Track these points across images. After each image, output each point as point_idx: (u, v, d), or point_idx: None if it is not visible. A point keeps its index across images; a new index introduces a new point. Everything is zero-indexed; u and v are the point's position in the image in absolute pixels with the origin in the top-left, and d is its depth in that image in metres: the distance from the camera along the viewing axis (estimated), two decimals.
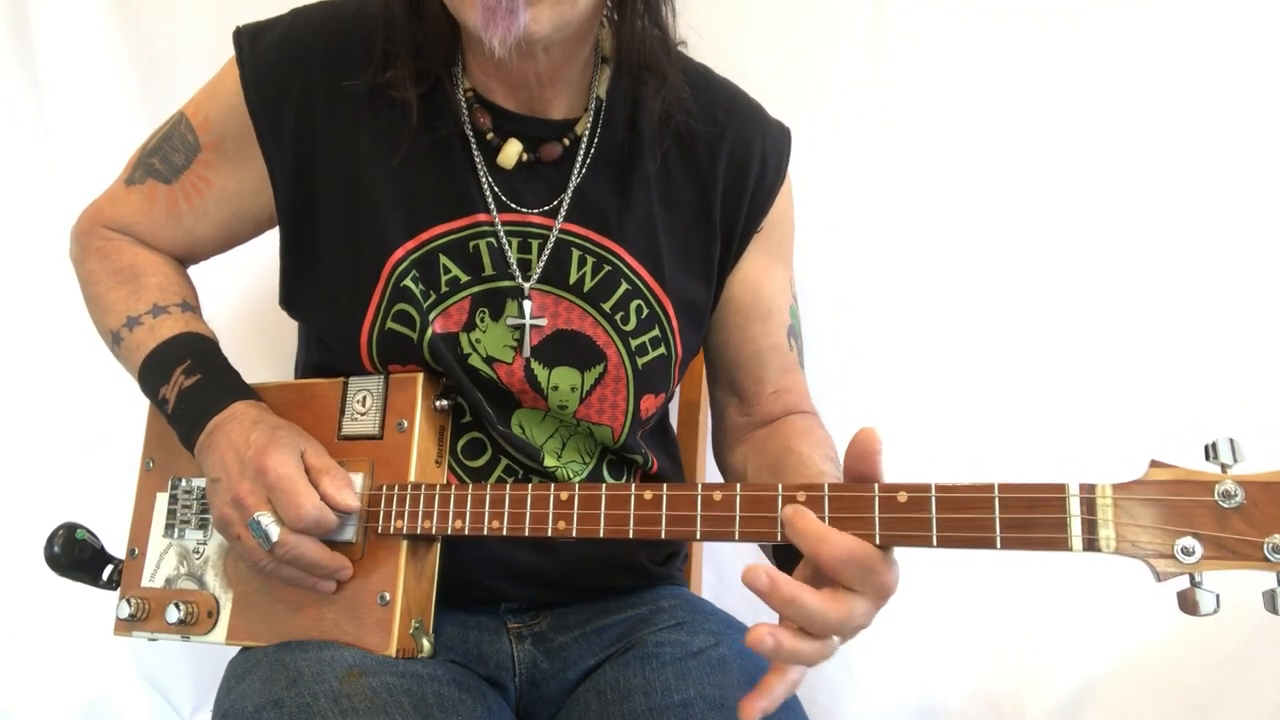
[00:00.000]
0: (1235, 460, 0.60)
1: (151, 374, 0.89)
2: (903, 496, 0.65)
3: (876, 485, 0.66)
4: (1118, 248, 1.22)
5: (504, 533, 0.77)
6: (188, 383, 0.87)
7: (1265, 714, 1.16)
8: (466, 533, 0.78)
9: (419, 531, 0.80)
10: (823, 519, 0.66)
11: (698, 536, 0.71)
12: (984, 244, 1.25)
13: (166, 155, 0.95)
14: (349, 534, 0.82)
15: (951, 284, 1.26)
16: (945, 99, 1.24)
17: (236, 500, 0.80)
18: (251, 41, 0.90)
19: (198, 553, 0.90)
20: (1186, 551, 0.59)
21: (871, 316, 1.28)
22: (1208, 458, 0.61)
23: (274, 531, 0.78)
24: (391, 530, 0.81)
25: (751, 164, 0.94)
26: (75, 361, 1.36)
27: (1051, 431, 1.23)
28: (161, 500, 0.94)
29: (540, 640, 0.92)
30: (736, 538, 0.69)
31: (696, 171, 0.93)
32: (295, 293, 0.94)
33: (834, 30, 1.25)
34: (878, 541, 0.65)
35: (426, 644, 0.82)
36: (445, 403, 0.87)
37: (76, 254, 1.00)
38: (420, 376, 0.86)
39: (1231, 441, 0.60)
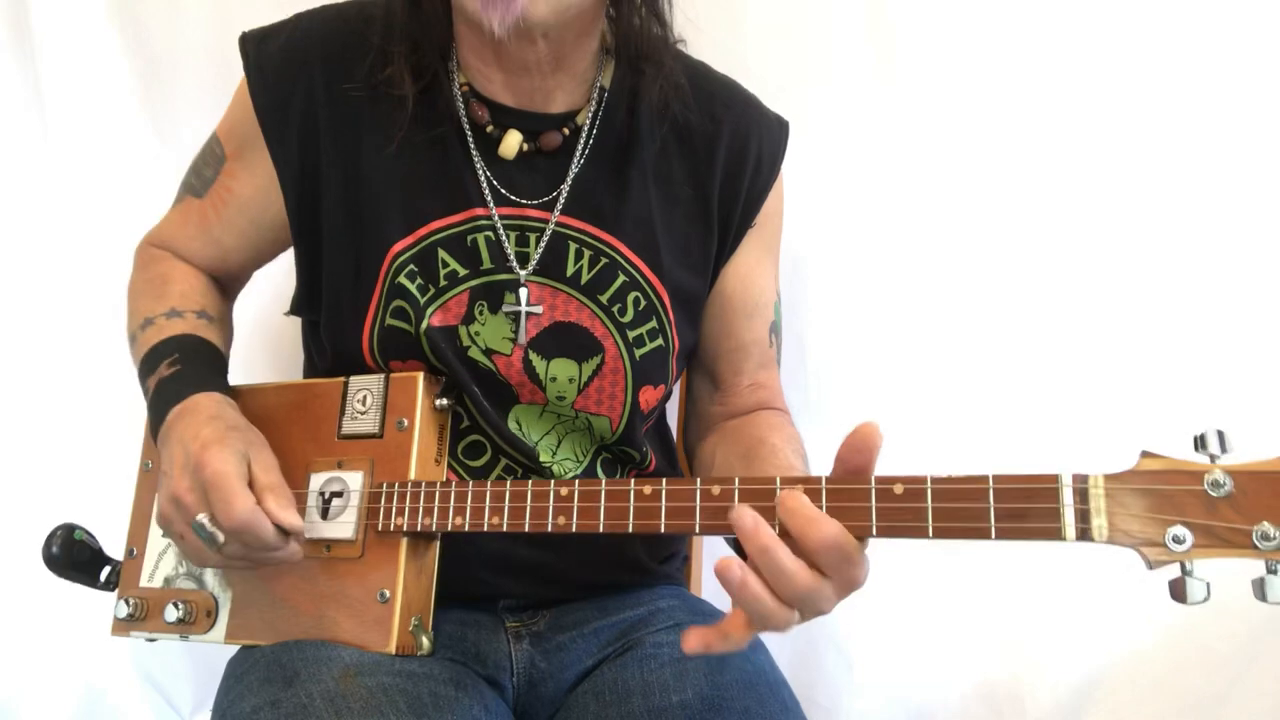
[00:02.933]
0: (1224, 451, 0.61)
1: (144, 367, 0.91)
2: (899, 488, 0.66)
3: (873, 478, 0.67)
4: (1114, 244, 1.23)
5: (504, 528, 0.77)
6: (167, 373, 0.88)
7: (1265, 714, 1.16)
8: (467, 529, 0.79)
9: (419, 529, 0.81)
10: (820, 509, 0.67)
11: (697, 530, 0.72)
12: (983, 240, 1.26)
13: (200, 171, 0.99)
14: (348, 531, 0.83)
15: (950, 280, 1.27)
16: (946, 96, 1.25)
17: (175, 498, 0.79)
18: (257, 47, 0.92)
19: None
20: (1177, 540, 0.60)
21: (871, 313, 1.28)
22: (1197, 449, 0.62)
23: (219, 533, 0.77)
24: (392, 528, 0.82)
25: (748, 159, 0.95)
26: (77, 362, 1.37)
27: (1048, 424, 1.23)
28: None
29: (538, 640, 0.92)
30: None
31: (694, 167, 0.94)
32: (309, 300, 0.95)
33: (833, 27, 1.25)
34: (874, 533, 0.66)
35: (426, 641, 0.83)
36: (445, 401, 0.88)
37: (131, 273, 1.04)
38: (420, 375, 0.87)
39: (1220, 433, 0.61)
